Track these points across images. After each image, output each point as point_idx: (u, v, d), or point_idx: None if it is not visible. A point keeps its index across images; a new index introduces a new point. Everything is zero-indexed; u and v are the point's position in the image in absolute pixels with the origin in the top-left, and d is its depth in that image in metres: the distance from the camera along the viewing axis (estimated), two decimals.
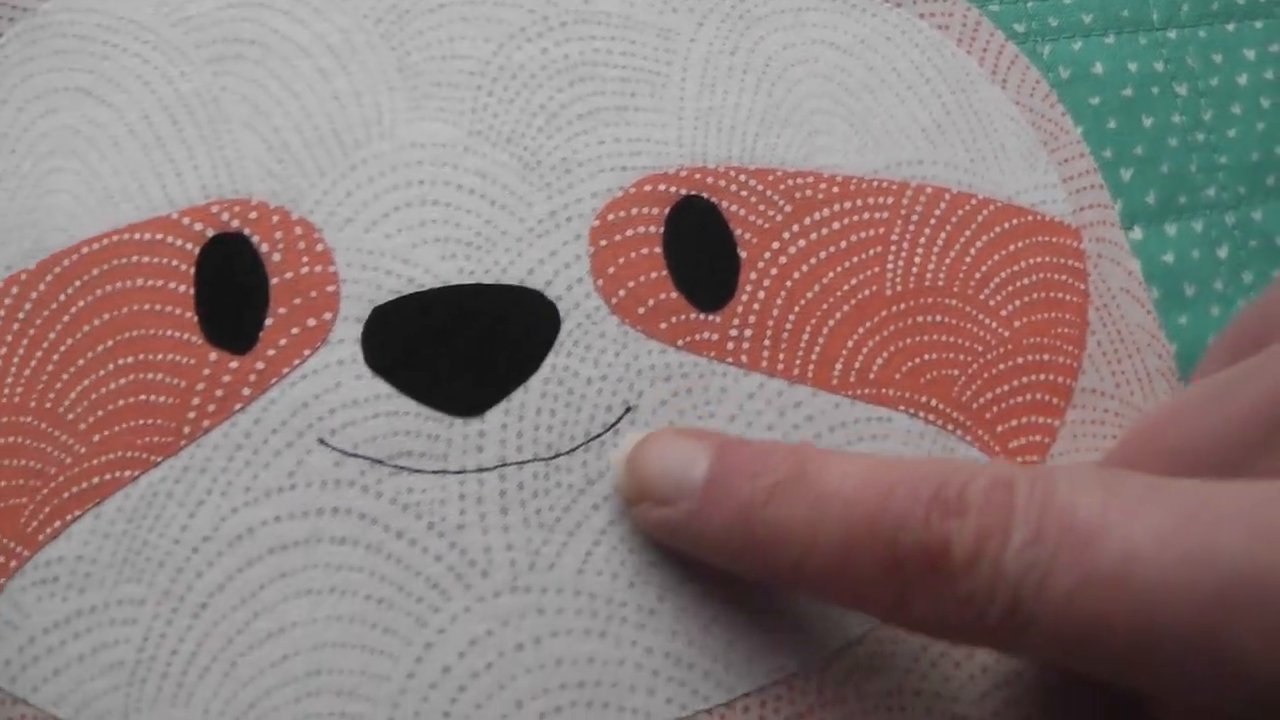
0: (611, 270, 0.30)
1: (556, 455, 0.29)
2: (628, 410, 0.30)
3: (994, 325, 0.31)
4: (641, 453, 0.28)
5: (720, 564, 0.28)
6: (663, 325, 0.30)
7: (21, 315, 0.29)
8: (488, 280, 0.30)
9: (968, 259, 0.31)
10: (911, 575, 0.23)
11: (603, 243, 0.30)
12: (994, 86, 0.33)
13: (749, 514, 0.26)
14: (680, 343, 0.30)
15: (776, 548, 0.26)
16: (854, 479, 0.25)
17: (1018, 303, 0.32)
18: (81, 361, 0.29)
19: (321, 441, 0.29)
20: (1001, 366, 0.31)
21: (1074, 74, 0.34)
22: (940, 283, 0.31)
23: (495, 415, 0.29)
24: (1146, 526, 0.22)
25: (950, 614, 0.23)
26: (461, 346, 0.29)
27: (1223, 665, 0.21)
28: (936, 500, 0.23)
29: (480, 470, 0.29)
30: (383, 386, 0.29)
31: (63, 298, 0.29)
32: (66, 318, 0.29)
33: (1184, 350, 0.33)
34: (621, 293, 0.30)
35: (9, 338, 0.29)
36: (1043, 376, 0.31)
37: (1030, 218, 0.32)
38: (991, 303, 0.31)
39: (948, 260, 0.31)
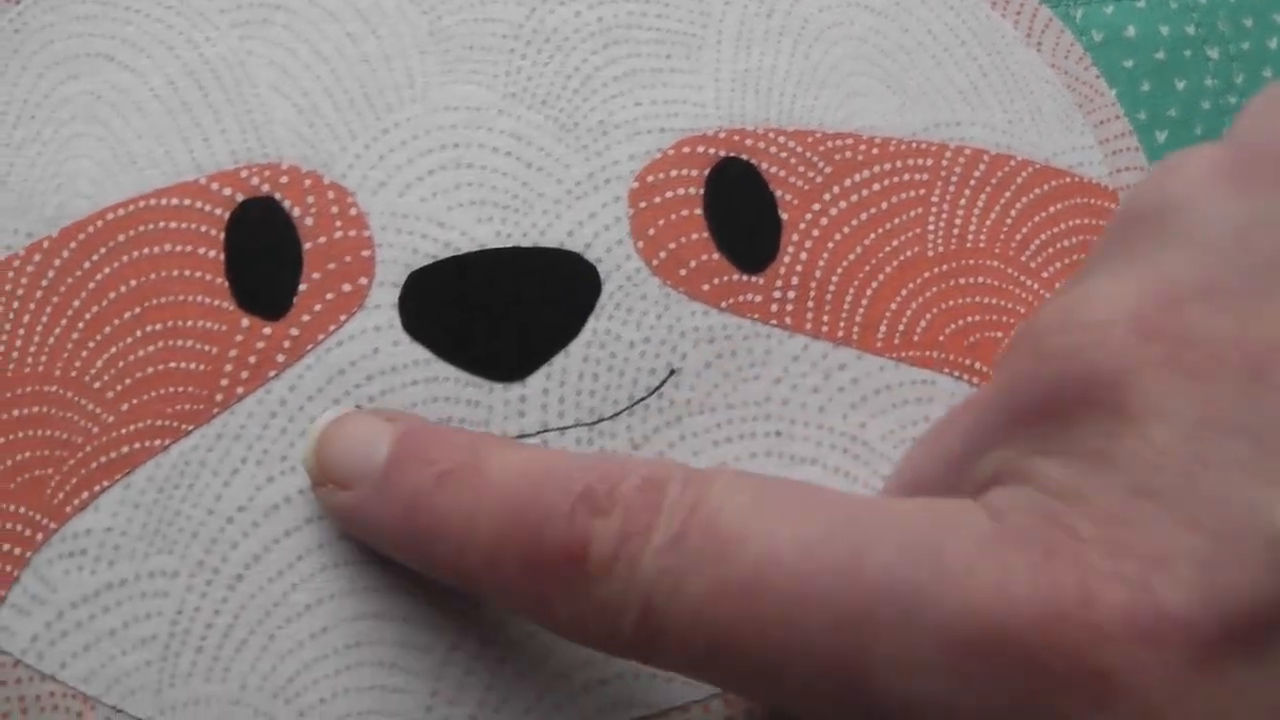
0: (652, 232, 0.30)
1: (599, 420, 0.29)
2: (671, 373, 0.29)
3: (1035, 287, 0.31)
4: (332, 430, 0.27)
5: (393, 556, 0.26)
6: (705, 287, 0.29)
7: (44, 283, 0.29)
8: (526, 243, 0.29)
9: (1008, 220, 0.31)
10: (551, 575, 0.22)
11: (642, 204, 0.30)
12: (1029, 49, 0.33)
13: (415, 502, 0.24)
14: (723, 304, 0.29)
15: (438, 540, 0.24)
16: (513, 468, 0.23)
17: (1058, 264, 0.31)
18: (108, 329, 0.29)
19: (359, 408, 0.28)
20: None
21: (1107, 37, 0.34)
22: (981, 244, 0.31)
23: (536, 380, 0.29)
24: (793, 534, 0.20)
25: (586, 619, 0.22)
26: (501, 311, 0.29)
27: (855, 690, 0.20)
28: (585, 496, 0.22)
29: (522, 435, 0.29)
30: (421, 352, 0.29)
31: (87, 265, 0.29)
32: (91, 285, 0.29)
33: None
34: (662, 254, 0.30)
35: (31, 305, 0.29)
36: None
37: (1068, 179, 0.32)
38: (1032, 264, 0.31)
39: (988, 222, 0.31)
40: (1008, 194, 0.31)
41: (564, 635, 0.23)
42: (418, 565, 0.26)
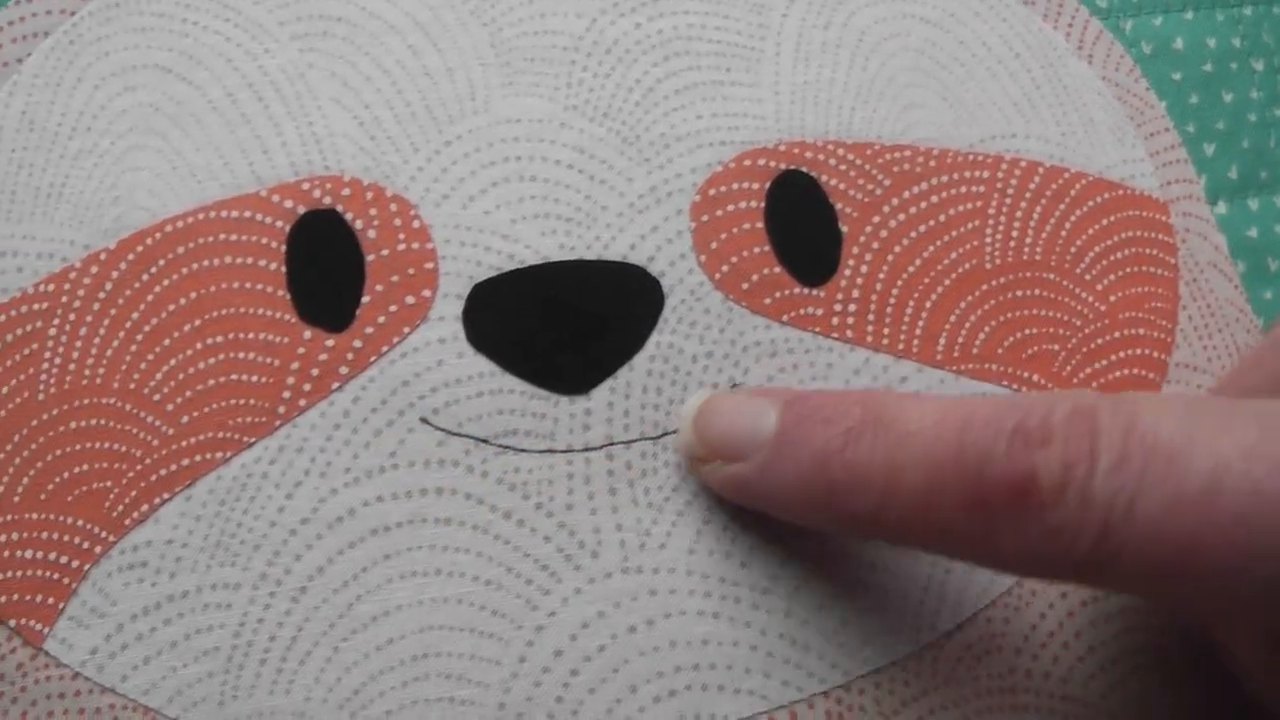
0: (714, 245, 0.30)
1: (664, 434, 0.29)
2: (734, 387, 0.29)
3: (1090, 299, 0.31)
4: (708, 410, 0.28)
5: (797, 517, 0.27)
6: (767, 301, 0.30)
7: (102, 295, 0.29)
8: (589, 256, 0.29)
9: (1063, 233, 0.31)
10: (997, 510, 0.23)
11: (704, 218, 0.30)
12: (1081, 61, 0.33)
13: (826, 460, 0.25)
14: (785, 318, 0.30)
15: (857, 493, 0.25)
16: (931, 417, 0.24)
17: (1112, 277, 0.31)
18: (167, 341, 0.28)
19: (424, 420, 0.28)
20: (1099, 341, 0.31)
21: (1156, 49, 0.34)
22: (1038, 257, 0.31)
23: (601, 394, 0.29)
24: (1233, 441, 0.21)
25: (1038, 547, 0.22)
26: (566, 324, 0.29)
27: None
28: (1019, 432, 0.23)
29: (587, 450, 0.29)
30: (486, 364, 0.29)
31: (145, 277, 0.29)
32: (150, 297, 0.29)
33: (1269, 325, 0.33)
34: (725, 268, 0.30)
35: (88, 318, 0.28)
36: (1139, 351, 0.31)
37: (1121, 192, 0.32)
38: (1087, 277, 0.31)
39: (1044, 234, 0.31)
40: (1062, 206, 0.32)
41: (1004, 567, 0.24)
42: (827, 521, 0.26)
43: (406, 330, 0.29)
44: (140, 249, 0.29)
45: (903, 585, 0.29)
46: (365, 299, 0.29)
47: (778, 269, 0.30)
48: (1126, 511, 0.21)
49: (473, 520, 0.28)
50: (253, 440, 0.28)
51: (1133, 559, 0.22)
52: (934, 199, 0.31)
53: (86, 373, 0.28)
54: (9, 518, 0.27)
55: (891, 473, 0.24)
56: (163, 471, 0.28)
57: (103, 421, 0.28)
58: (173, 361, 0.28)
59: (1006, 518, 0.23)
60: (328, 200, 0.29)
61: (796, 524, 0.27)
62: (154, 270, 0.29)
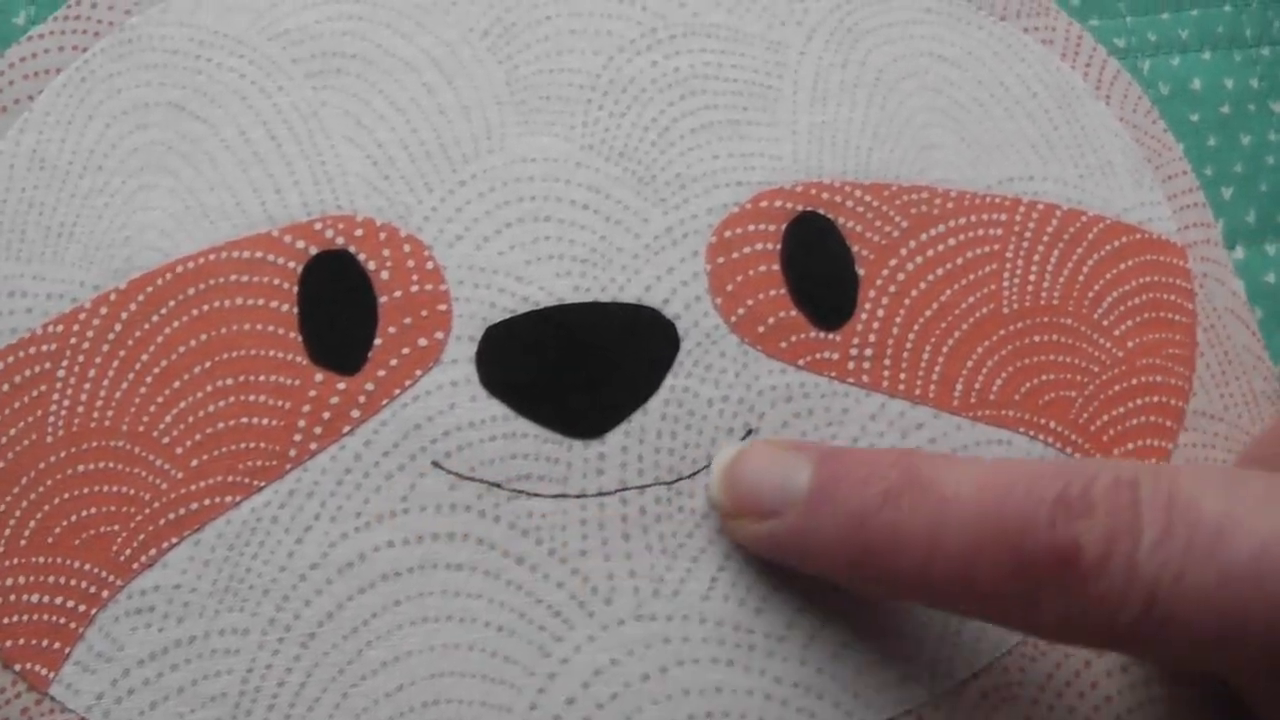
0: (730, 288, 0.29)
1: (678, 479, 0.29)
2: (749, 432, 0.29)
3: (1108, 345, 0.31)
4: (739, 465, 0.28)
5: (829, 575, 0.27)
6: (783, 344, 0.29)
7: (111, 336, 0.28)
8: (604, 298, 0.29)
9: (1080, 277, 0.31)
10: (1041, 578, 0.23)
11: (720, 260, 0.30)
12: (1098, 102, 0.33)
13: (863, 521, 0.25)
14: (801, 362, 0.29)
15: (895, 555, 0.25)
16: (971, 482, 0.24)
17: (1130, 322, 0.31)
18: (177, 383, 0.28)
19: (436, 464, 0.28)
20: (1117, 388, 0.31)
21: (1173, 90, 0.34)
22: (1055, 301, 0.31)
23: (615, 438, 0.29)
24: (1274, 523, 0.22)
25: (1082, 616, 0.23)
26: (580, 366, 0.29)
27: None
28: (1061, 501, 0.23)
29: (601, 494, 0.28)
30: (499, 408, 0.28)
31: (156, 318, 0.28)
32: (160, 338, 0.28)
33: None
34: (741, 311, 0.29)
35: (98, 359, 0.28)
36: (1156, 398, 0.31)
37: (1139, 235, 0.32)
38: (1105, 322, 0.31)
39: (1061, 278, 0.31)
40: (1080, 250, 0.31)
41: (1044, 634, 0.24)
42: (861, 581, 0.26)
43: (419, 373, 0.28)
44: (150, 289, 0.29)
45: (919, 633, 0.28)
46: (377, 341, 0.28)
47: (794, 312, 0.29)
48: (1174, 584, 0.22)
49: (484, 566, 0.28)
50: (262, 484, 0.28)
51: (1179, 630, 0.22)
52: (951, 241, 0.31)
53: (95, 415, 0.28)
54: (16, 561, 0.27)
55: (932, 537, 0.24)
56: (171, 515, 0.27)
57: (111, 464, 0.28)
58: (182, 404, 0.28)
59: (1049, 587, 0.23)
60: (340, 240, 0.29)
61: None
62: (164, 311, 0.28)
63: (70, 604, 0.27)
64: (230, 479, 0.28)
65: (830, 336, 0.30)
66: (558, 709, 0.27)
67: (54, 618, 0.27)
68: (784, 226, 0.30)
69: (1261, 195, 0.34)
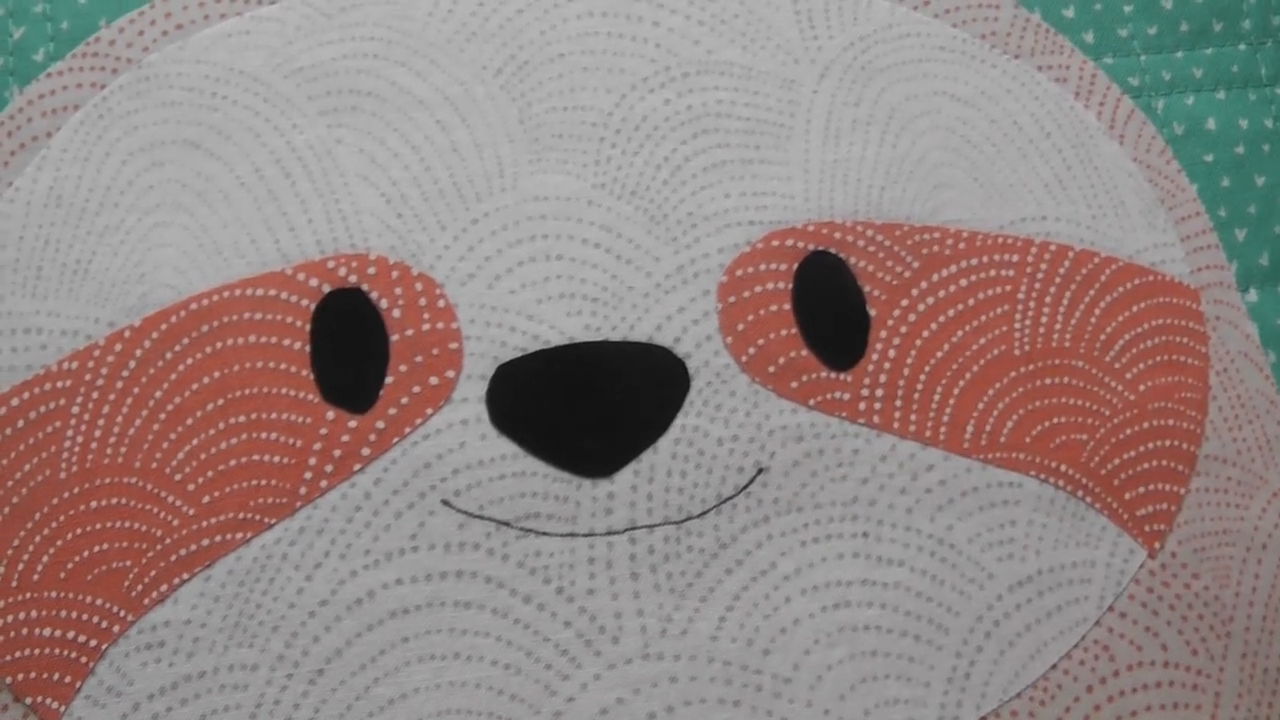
0: (741, 327, 0.29)
1: (688, 518, 0.29)
2: (760, 472, 0.29)
3: (1119, 388, 0.31)
4: None
5: None
6: (793, 384, 0.29)
7: (125, 373, 0.28)
8: (615, 337, 0.29)
9: (1092, 320, 0.31)
10: None
11: (731, 299, 0.30)
12: (1112, 141, 0.33)
13: None
14: (811, 402, 0.29)
15: None
16: None
17: (1142, 365, 0.31)
18: (190, 421, 0.28)
19: (445, 503, 0.28)
20: (1128, 431, 0.30)
21: (1188, 129, 0.34)
22: (1066, 344, 0.31)
23: (625, 477, 0.29)
24: None
25: None
26: (590, 405, 0.29)
27: None
28: None
29: (610, 533, 0.28)
30: (508, 446, 0.28)
31: (169, 355, 0.29)
32: (173, 375, 0.28)
33: None
34: (751, 350, 0.29)
35: (111, 396, 0.28)
36: (1168, 442, 0.31)
37: (1151, 278, 0.32)
38: (1117, 365, 0.31)
39: (1073, 321, 0.31)
40: (1091, 292, 0.31)
41: None
42: None
43: (429, 411, 0.28)
44: (164, 327, 0.29)
45: (927, 676, 0.28)
46: (389, 379, 0.29)
47: (805, 352, 0.29)
48: None
49: (492, 604, 0.28)
50: (273, 521, 0.28)
51: None
52: (963, 282, 0.31)
53: (108, 451, 0.28)
54: (28, 596, 0.27)
55: None
56: (183, 551, 0.28)
57: (123, 500, 0.28)
58: (195, 441, 0.28)
59: None
60: (353, 279, 0.29)
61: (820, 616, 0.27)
62: (177, 348, 0.29)
63: (81, 638, 0.27)
64: (241, 516, 0.28)
65: (841, 377, 0.30)
66: None
67: (65, 652, 0.27)
68: (795, 266, 0.30)
69: (1275, 237, 0.34)
